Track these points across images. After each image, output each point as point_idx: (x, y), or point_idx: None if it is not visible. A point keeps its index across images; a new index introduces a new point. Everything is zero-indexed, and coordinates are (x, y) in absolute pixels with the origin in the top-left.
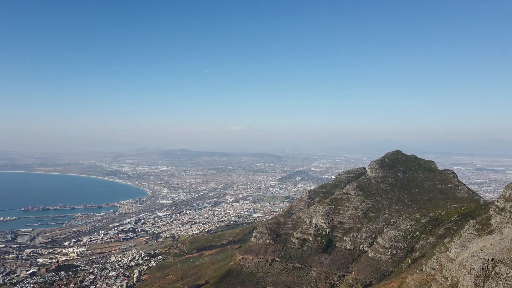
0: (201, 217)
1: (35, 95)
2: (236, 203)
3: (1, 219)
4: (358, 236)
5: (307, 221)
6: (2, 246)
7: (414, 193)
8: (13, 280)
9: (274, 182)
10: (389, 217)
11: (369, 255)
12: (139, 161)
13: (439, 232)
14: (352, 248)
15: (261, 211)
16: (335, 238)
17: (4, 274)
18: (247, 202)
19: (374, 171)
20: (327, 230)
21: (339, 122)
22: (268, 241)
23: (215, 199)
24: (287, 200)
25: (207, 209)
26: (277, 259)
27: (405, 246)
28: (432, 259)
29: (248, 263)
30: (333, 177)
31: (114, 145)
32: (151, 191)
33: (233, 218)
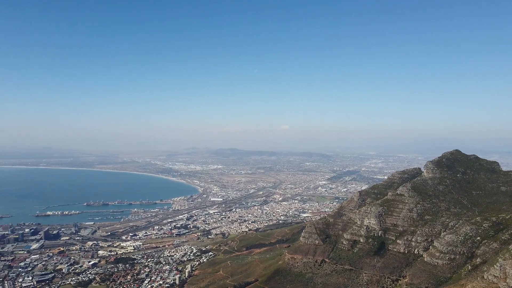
0: (250, 215)
1: (99, 97)
2: (284, 202)
3: (66, 213)
4: (413, 239)
5: (358, 223)
6: (67, 238)
7: (474, 196)
8: (77, 270)
9: (323, 182)
10: (447, 220)
11: (425, 260)
12: (191, 159)
13: (503, 237)
14: (406, 252)
15: (310, 211)
16: (388, 241)
17: (69, 264)
18: (296, 201)
19: (430, 172)
20: (379, 232)
21: (392, 120)
22: (317, 242)
23: (263, 198)
24: (336, 200)
25: (256, 207)
26: (327, 260)
27: (465, 251)
28: (495, 266)
29: (297, 262)
30: (385, 177)
31: (168, 144)
32: (202, 188)
33: (282, 217)
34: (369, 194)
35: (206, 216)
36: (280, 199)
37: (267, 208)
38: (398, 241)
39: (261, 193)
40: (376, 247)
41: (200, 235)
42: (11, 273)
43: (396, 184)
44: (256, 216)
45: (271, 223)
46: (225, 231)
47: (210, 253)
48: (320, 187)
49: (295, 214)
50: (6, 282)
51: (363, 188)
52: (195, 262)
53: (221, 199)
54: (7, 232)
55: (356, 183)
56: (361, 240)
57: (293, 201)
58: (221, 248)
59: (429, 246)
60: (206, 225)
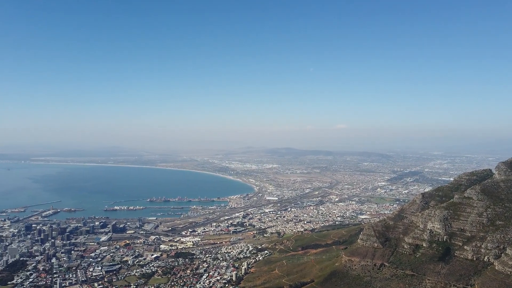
0: (306, 215)
1: (164, 99)
2: (341, 203)
3: (131, 208)
4: (482, 246)
5: (421, 226)
6: (132, 231)
7: None
8: (141, 262)
9: (383, 183)
10: None
11: (496, 268)
12: (247, 158)
13: None
14: (474, 259)
15: (368, 212)
16: (454, 247)
17: (134, 256)
18: (353, 202)
19: (503, 174)
20: (444, 237)
21: (460, 120)
22: (376, 244)
23: (319, 198)
24: (397, 202)
25: (312, 207)
26: (386, 264)
27: None
28: None
29: (355, 265)
30: (451, 179)
31: (225, 144)
32: (257, 187)
33: (338, 218)
34: (432, 197)
35: (262, 214)
36: (337, 199)
37: (323, 209)
38: (465, 247)
39: (316, 193)
40: (441, 252)
41: (256, 233)
42: (83, 263)
43: (463, 186)
44: (311, 216)
45: (327, 224)
46: (280, 230)
47: (266, 251)
48: (379, 188)
49: (352, 215)
50: (79, 270)
51: (426, 190)
52: (251, 260)
53: (276, 198)
54: (80, 225)
55: (419, 184)
56: (424, 245)
57: (350, 202)
58: (277, 247)
59: (501, 253)
60: (262, 224)
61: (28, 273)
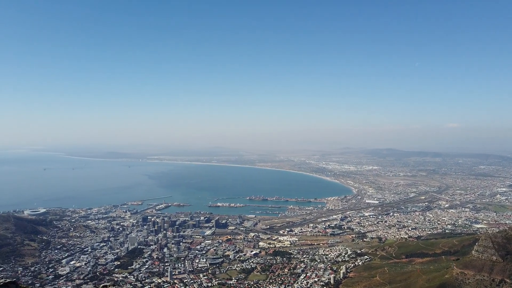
0: (410, 221)
1: (261, 102)
2: (452, 210)
3: (232, 205)
4: None
5: None
6: (233, 228)
7: None
8: (241, 258)
9: (504, 189)
10: None
11: None
12: (345, 159)
13: None
14: None
15: (484, 221)
16: None
17: (235, 251)
18: (467, 209)
19: None
20: None
21: None
22: (494, 258)
23: (426, 203)
24: None
25: (417, 213)
26: (507, 280)
27: None
28: None
29: (468, 279)
30: None
31: (322, 144)
32: (356, 189)
33: (448, 226)
34: None
35: (361, 218)
36: (447, 205)
37: (430, 215)
38: None
39: (423, 197)
40: None
41: (355, 237)
42: (190, 254)
43: None
44: (417, 223)
45: (435, 232)
46: (381, 236)
47: (366, 256)
48: (498, 195)
49: (466, 224)
50: (186, 261)
51: None
52: (349, 264)
53: (377, 201)
54: (187, 219)
55: None
56: None
57: (463, 208)
58: (378, 253)
59: None
60: (361, 228)
61: (144, 260)
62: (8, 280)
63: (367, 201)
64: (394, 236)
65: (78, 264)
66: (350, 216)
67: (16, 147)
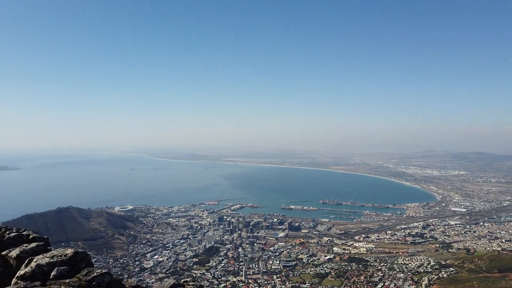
0: (504, 232)
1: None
2: None
3: (305, 208)
4: None
5: None
6: (307, 231)
7: None
8: (315, 262)
9: None
10: None
11: None
12: (427, 163)
13: None
14: None
15: None
16: None
17: (308, 255)
18: None
19: None
20: None
21: None
22: None
23: None
24: None
25: None
26: None
27: None
28: None
29: None
30: None
31: (400, 147)
32: (440, 196)
33: None
34: None
35: (446, 227)
36: None
37: None
38: None
39: None
40: None
41: (439, 247)
42: (263, 255)
43: None
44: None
45: None
46: (469, 247)
47: (451, 268)
48: None
49: None
50: (260, 261)
51: None
52: (432, 276)
53: (464, 209)
54: (260, 220)
55: None
56: None
57: None
58: (465, 265)
59: None
60: (446, 237)
61: (220, 258)
62: (104, 271)
63: (452, 208)
64: (485, 248)
65: (160, 259)
66: (433, 224)
67: (108, 149)
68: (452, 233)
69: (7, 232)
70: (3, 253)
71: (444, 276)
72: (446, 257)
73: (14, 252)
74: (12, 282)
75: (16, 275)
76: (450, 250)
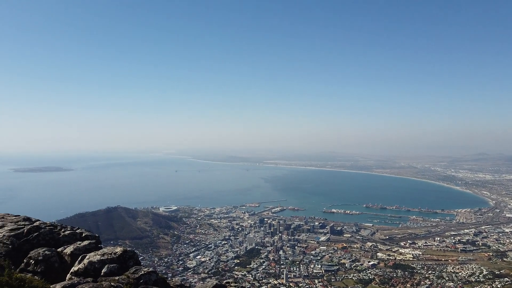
0: None
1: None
2: None
3: (348, 212)
4: None
5: None
6: (349, 235)
7: None
8: (358, 267)
9: None
10: None
11: None
12: (479, 167)
13: None
14: None
15: None
16: None
17: (351, 260)
18: None
19: None
20: None
21: None
22: None
23: None
24: None
25: None
26: None
27: None
28: None
29: None
30: None
31: (450, 150)
32: (493, 201)
33: None
34: None
35: (500, 234)
36: None
37: None
38: None
39: None
40: None
41: (492, 255)
42: (304, 259)
43: None
44: None
45: None
46: None
47: (506, 278)
48: None
49: None
50: (301, 265)
51: None
52: (485, 286)
53: None
54: (301, 223)
55: None
56: None
57: None
58: None
59: None
60: (500, 245)
61: (261, 260)
62: (151, 269)
63: (507, 215)
64: None
65: (203, 259)
66: (485, 232)
67: (153, 150)
68: (507, 241)
69: (62, 230)
70: (59, 249)
71: (498, 286)
72: (500, 266)
73: (68, 249)
74: (67, 278)
75: (70, 271)
76: (504, 259)
